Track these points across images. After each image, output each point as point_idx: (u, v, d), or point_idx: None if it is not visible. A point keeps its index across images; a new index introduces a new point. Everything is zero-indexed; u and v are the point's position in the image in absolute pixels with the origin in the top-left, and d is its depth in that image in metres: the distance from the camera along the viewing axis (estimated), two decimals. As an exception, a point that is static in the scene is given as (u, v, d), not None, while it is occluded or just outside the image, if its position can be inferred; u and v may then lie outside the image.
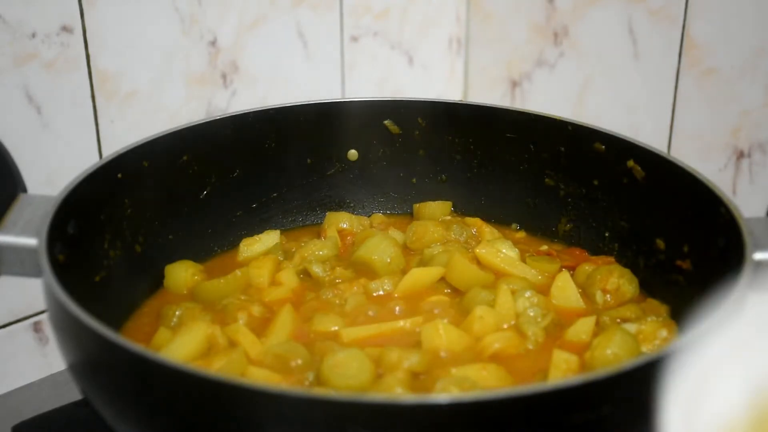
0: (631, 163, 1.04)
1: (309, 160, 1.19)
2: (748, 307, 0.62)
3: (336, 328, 0.97)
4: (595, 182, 1.10)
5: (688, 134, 1.33)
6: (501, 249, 1.08)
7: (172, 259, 1.07)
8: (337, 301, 1.01)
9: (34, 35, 1.13)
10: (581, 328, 0.95)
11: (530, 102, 1.54)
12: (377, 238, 1.08)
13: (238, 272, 1.04)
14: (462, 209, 1.20)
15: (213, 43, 1.30)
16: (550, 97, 1.51)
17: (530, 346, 0.94)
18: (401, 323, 0.97)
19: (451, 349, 0.92)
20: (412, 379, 0.87)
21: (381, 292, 1.03)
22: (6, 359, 1.23)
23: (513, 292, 0.99)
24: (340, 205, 1.22)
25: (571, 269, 1.07)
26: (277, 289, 1.03)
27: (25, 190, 0.92)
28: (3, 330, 1.22)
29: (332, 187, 1.21)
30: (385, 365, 0.88)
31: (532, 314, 0.97)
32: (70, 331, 0.78)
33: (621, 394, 0.71)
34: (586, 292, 1.03)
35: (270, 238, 1.12)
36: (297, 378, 0.88)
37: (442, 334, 0.93)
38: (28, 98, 1.15)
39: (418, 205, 1.20)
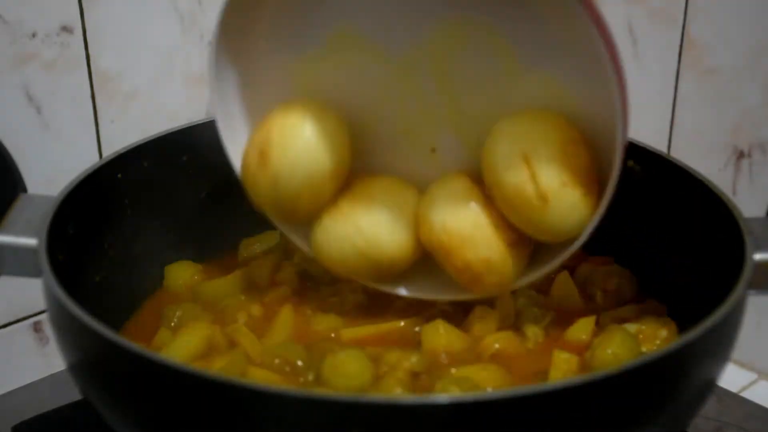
0: (630, 163, 1.04)
1: (309, 160, 1.19)
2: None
3: (336, 328, 0.97)
4: (595, 182, 1.10)
5: (688, 134, 1.33)
6: None
7: (172, 259, 1.07)
8: (337, 301, 1.01)
9: (34, 35, 1.13)
10: (581, 328, 0.95)
11: (530, 102, 1.54)
12: None
13: (238, 272, 1.04)
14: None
15: (213, 43, 1.30)
16: (550, 97, 1.51)
17: (530, 346, 0.94)
18: (401, 323, 0.97)
19: (451, 350, 0.92)
20: (412, 380, 0.87)
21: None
22: (6, 359, 1.23)
23: (513, 292, 0.99)
24: (340, 205, 1.22)
25: (571, 269, 1.06)
26: (277, 289, 1.03)
27: (25, 190, 0.92)
28: (3, 330, 1.22)
29: (332, 187, 1.21)
30: (384, 365, 0.88)
31: (532, 314, 0.97)
32: (70, 331, 0.78)
33: (621, 394, 0.71)
34: (585, 292, 1.03)
35: (270, 238, 1.12)
36: (297, 378, 0.88)
37: (443, 334, 0.93)
38: (28, 98, 1.15)
39: None
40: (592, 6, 0.80)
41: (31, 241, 0.84)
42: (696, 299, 0.91)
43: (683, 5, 1.29)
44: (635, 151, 1.04)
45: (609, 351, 0.89)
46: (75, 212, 0.91)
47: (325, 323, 0.97)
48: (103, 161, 0.99)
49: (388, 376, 0.86)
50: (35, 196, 0.91)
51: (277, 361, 0.89)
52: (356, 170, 0.96)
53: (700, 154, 1.31)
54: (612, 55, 0.82)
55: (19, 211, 0.89)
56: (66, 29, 1.16)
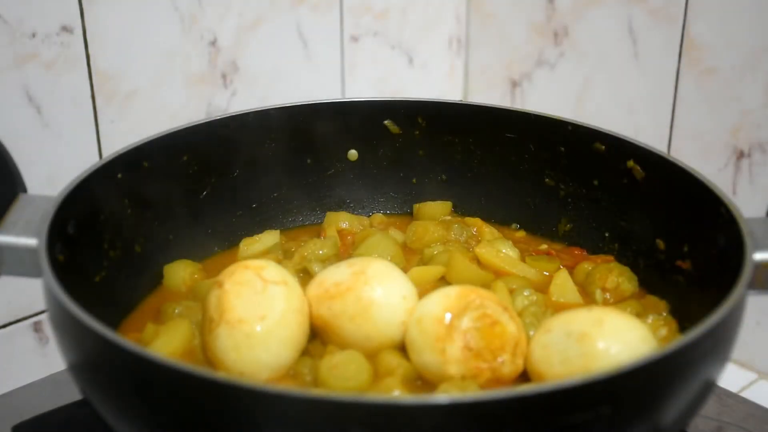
0: (631, 163, 1.04)
1: (309, 160, 1.19)
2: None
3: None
4: (595, 182, 1.10)
5: (688, 134, 1.33)
6: (501, 249, 1.08)
7: (171, 259, 1.07)
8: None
9: (34, 35, 1.13)
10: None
11: (530, 102, 1.54)
12: (377, 237, 1.08)
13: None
14: (462, 209, 1.20)
15: (213, 43, 1.30)
16: (550, 97, 1.51)
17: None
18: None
19: None
20: (411, 380, 0.87)
21: None
22: (6, 359, 1.23)
23: (511, 291, 0.99)
24: (339, 205, 1.22)
25: (571, 268, 1.07)
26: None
27: (25, 190, 0.92)
28: (3, 330, 1.22)
29: (332, 187, 1.21)
30: (384, 366, 0.88)
31: (531, 312, 0.97)
32: (70, 331, 0.78)
33: (621, 394, 0.71)
34: (585, 291, 1.03)
35: (270, 238, 1.12)
36: (296, 379, 0.88)
37: None
38: (28, 98, 1.15)
39: (418, 205, 1.20)
40: None
41: (31, 241, 0.84)
42: (696, 299, 0.91)
43: (683, 5, 1.29)
44: (635, 151, 1.04)
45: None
46: (75, 212, 0.91)
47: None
48: (103, 161, 0.99)
49: (387, 378, 0.86)
50: (35, 196, 0.91)
51: None
52: None
53: (700, 154, 1.31)
54: None
55: (19, 211, 0.88)
56: (66, 29, 1.16)
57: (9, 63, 1.12)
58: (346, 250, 1.12)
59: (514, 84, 1.55)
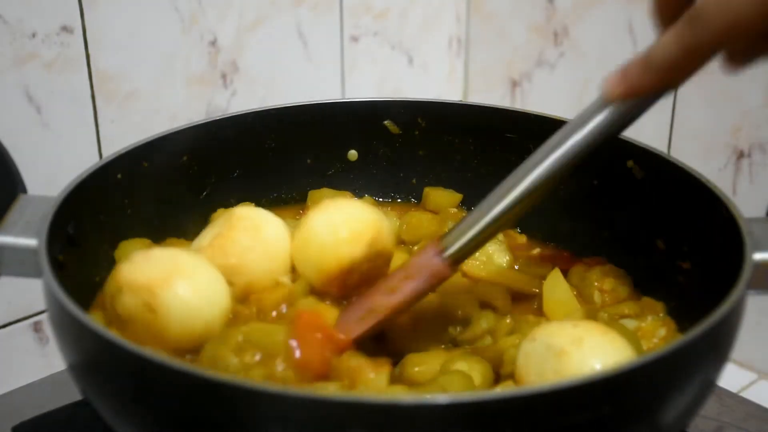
0: (630, 163, 1.04)
1: (309, 160, 1.19)
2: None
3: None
4: (595, 182, 1.10)
5: (688, 134, 1.33)
6: (489, 251, 1.06)
7: (172, 259, 1.07)
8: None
9: (34, 35, 1.13)
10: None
11: (530, 102, 1.54)
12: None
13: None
14: (462, 209, 1.20)
15: (213, 43, 1.30)
16: (550, 97, 1.51)
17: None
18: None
19: None
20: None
21: None
22: (6, 359, 1.23)
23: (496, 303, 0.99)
24: (339, 205, 1.22)
25: (564, 272, 1.06)
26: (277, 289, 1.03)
27: (25, 190, 0.92)
28: (3, 330, 1.22)
29: (332, 187, 1.21)
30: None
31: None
32: (70, 331, 0.78)
33: (621, 394, 0.71)
34: (582, 294, 1.02)
35: (270, 238, 1.12)
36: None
37: None
38: (28, 98, 1.15)
39: (428, 188, 1.20)
40: None
41: (31, 242, 0.84)
42: (696, 299, 0.91)
43: (683, 5, 1.29)
44: (635, 151, 1.04)
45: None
46: (75, 212, 0.91)
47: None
48: (103, 161, 0.99)
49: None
50: (35, 196, 0.91)
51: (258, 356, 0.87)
52: None
53: (700, 154, 1.31)
54: None
55: (19, 211, 0.88)
56: (66, 29, 1.16)
57: (9, 63, 1.12)
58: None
59: (514, 84, 1.55)
